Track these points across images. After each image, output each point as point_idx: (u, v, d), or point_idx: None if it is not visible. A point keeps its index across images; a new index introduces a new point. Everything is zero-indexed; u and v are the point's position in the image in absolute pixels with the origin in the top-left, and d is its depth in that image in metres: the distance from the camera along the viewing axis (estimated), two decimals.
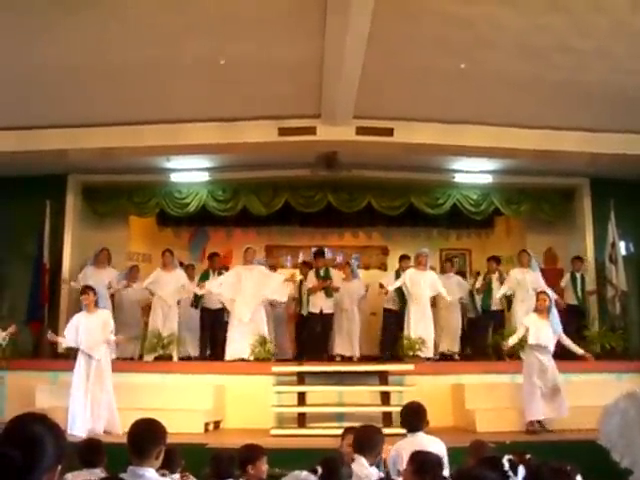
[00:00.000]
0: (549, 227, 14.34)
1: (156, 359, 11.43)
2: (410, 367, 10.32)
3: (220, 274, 12.84)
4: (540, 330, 9.89)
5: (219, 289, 11.95)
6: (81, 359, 9.65)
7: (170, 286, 12.08)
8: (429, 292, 12.21)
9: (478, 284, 13.35)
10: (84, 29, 8.52)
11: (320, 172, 12.90)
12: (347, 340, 13.09)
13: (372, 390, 10.24)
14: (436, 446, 5.60)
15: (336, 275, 13.16)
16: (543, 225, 14.39)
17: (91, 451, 5.52)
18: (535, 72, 9.70)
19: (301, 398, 10.18)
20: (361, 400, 10.21)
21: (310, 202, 13.86)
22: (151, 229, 15.48)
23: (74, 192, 13.61)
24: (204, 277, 12.96)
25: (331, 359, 12.87)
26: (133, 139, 11.67)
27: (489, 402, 10.08)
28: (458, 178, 13.64)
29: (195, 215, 14.17)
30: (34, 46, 8.87)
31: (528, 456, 3.55)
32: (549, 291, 11.15)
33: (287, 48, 9.10)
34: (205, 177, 13.61)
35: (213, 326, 12.94)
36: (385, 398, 10.14)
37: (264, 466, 5.53)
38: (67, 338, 9.81)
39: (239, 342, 11.42)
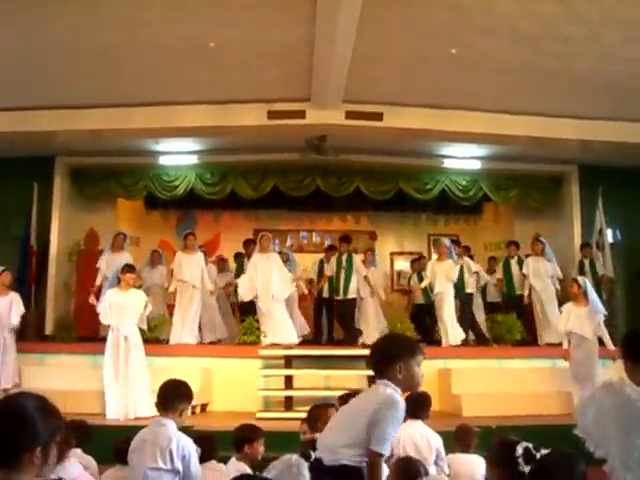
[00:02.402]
0: (537, 214, 14.39)
1: (144, 342, 11.41)
2: None
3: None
4: (572, 318, 9.87)
5: (243, 291, 11.86)
6: (111, 339, 9.61)
7: (194, 269, 12.05)
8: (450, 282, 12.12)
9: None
10: (75, 11, 8.47)
11: (309, 156, 12.87)
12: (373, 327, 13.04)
13: (359, 374, 10.25)
14: (433, 437, 5.63)
15: (358, 261, 12.96)
16: (531, 212, 14.44)
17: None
18: (526, 59, 9.70)
19: (288, 382, 10.19)
20: (348, 384, 10.20)
21: (299, 186, 13.85)
22: (139, 212, 15.45)
23: (62, 174, 13.57)
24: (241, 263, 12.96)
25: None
26: (122, 121, 11.62)
27: (476, 387, 10.11)
28: (447, 164, 13.66)
29: (183, 198, 14.16)
30: (24, 28, 8.81)
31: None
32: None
33: (278, 31, 9.06)
34: (194, 160, 13.58)
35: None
36: (372, 382, 10.12)
37: (261, 447, 5.59)
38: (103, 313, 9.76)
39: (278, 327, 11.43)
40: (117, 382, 9.31)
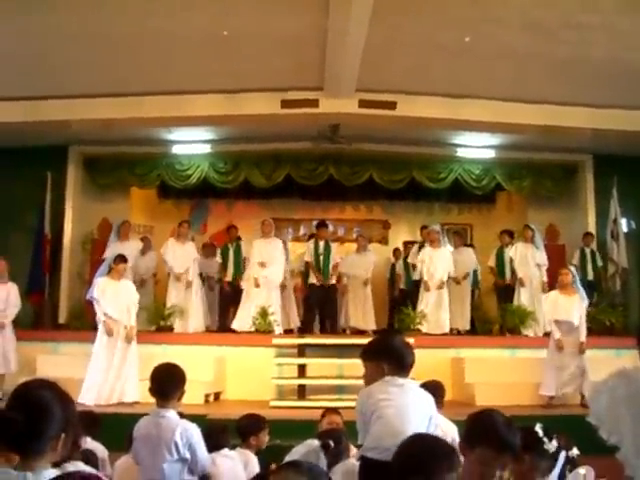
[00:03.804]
0: (551, 203, 14.31)
1: (157, 330, 11.46)
2: (410, 340, 10.33)
3: (238, 247, 12.96)
4: (560, 306, 9.89)
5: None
6: (102, 327, 9.66)
7: (185, 257, 12.12)
8: (444, 270, 12.19)
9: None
10: (87, 1, 8.47)
11: (322, 145, 12.86)
12: (360, 313, 13.17)
13: None
14: (449, 427, 5.64)
15: (336, 249, 13.09)
16: (545, 201, 14.37)
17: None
18: (540, 47, 9.63)
19: (301, 370, 10.21)
20: (361, 373, 10.24)
21: (312, 175, 13.84)
22: (152, 201, 15.47)
23: (75, 163, 13.61)
24: (225, 252, 13.06)
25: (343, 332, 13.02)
26: (135, 110, 11.60)
27: (488, 376, 10.10)
28: (460, 152, 13.63)
29: (196, 187, 14.16)
30: (36, 17, 8.81)
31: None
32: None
33: (290, 20, 9.04)
34: (207, 149, 13.59)
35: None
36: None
37: (265, 437, 5.62)
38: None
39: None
40: (108, 369, 9.36)
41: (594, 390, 3.37)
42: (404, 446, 3.10)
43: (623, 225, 13.48)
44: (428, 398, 4.24)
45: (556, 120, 11.74)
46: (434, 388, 5.67)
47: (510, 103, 11.54)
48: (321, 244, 12.82)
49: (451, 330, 12.16)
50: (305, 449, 4.99)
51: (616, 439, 3.09)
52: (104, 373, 9.36)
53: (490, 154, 13.61)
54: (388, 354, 4.33)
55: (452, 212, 16.07)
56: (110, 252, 11.78)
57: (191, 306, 11.95)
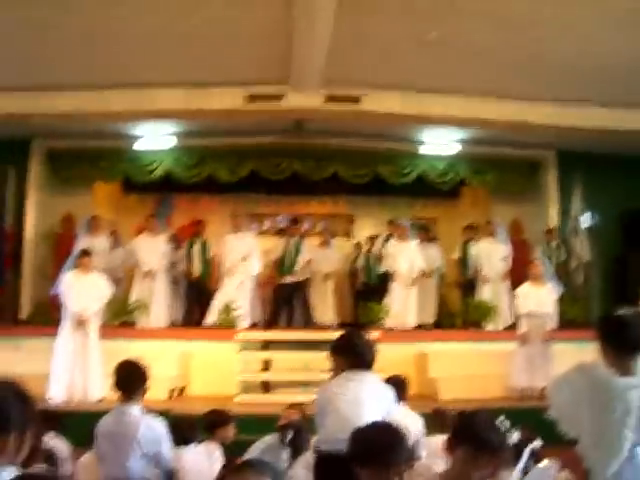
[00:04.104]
0: (515, 198, 14.41)
1: (121, 325, 11.38)
2: (375, 334, 10.38)
3: (205, 242, 12.97)
4: (532, 299, 10.00)
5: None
6: (68, 322, 9.56)
7: (155, 251, 12.07)
8: (412, 263, 12.25)
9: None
10: None
11: (287, 139, 12.84)
12: (322, 308, 13.20)
13: None
14: (413, 420, 5.68)
15: (308, 245, 13.12)
16: (509, 196, 14.46)
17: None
18: (506, 42, 9.67)
19: (266, 365, 10.20)
20: (326, 367, 10.24)
21: (276, 170, 13.79)
22: (116, 195, 15.32)
23: (38, 157, 13.45)
24: (191, 245, 13.01)
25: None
26: (98, 104, 11.46)
27: (452, 370, 10.17)
28: (425, 148, 13.68)
29: (160, 182, 14.02)
30: None
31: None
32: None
33: (256, 13, 8.98)
34: (171, 143, 13.48)
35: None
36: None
37: (232, 431, 5.63)
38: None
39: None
40: (72, 365, 9.29)
41: (554, 384, 3.41)
42: (359, 434, 3.12)
43: (586, 220, 13.64)
44: (386, 392, 4.29)
45: (521, 116, 11.82)
46: (397, 383, 5.71)
47: (475, 98, 11.57)
48: (292, 241, 12.85)
49: (418, 325, 12.20)
50: (264, 445, 5.02)
51: (575, 433, 3.13)
52: (70, 368, 9.28)
53: (455, 149, 13.67)
54: (348, 350, 4.46)
55: (417, 207, 16.08)
56: (79, 247, 11.72)
57: (155, 300, 11.89)
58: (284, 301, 13.08)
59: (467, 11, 8.85)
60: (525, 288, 10.27)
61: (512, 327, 11.58)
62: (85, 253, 9.88)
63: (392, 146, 13.63)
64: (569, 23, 9.04)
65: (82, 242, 11.74)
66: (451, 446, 3.22)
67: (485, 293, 12.33)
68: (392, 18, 9.14)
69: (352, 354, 4.46)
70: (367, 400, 4.14)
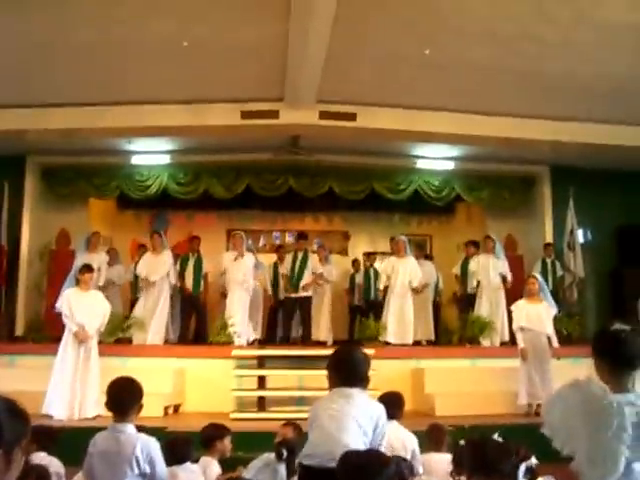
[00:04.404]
0: (509, 214, 14.46)
1: (116, 342, 11.35)
2: (370, 352, 10.35)
3: (199, 258, 12.92)
4: (527, 315, 9.97)
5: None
6: (69, 338, 9.52)
7: (159, 269, 12.05)
8: (409, 280, 12.22)
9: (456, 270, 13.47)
10: (47, 7, 8.39)
11: (282, 156, 12.88)
12: (318, 324, 13.19)
13: None
14: (408, 438, 5.67)
15: (314, 260, 13.11)
16: (503, 212, 14.51)
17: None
18: (499, 59, 9.75)
19: (261, 382, 10.17)
20: (321, 384, 10.18)
21: (272, 186, 13.83)
22: (111, 212, 15.34)
23: (33, 173, 13.48)
24: (185, 261, 12.94)
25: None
26: (94, 120, 11.51)
27: (449, 386, 10.14)
28: (420, 164, 13.72)
29: (156, 198, 14.05)
30: None
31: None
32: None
33: (251, 30, 9.04)
34: (166, 160, 13.52)
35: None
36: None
37: (229, 444, 5.63)
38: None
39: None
40: (72, 382, 9.24)
41: (548, 401, 3.41)
42: (345, 460, 3.14)
43: (580, 236, 13.67)
44: (376, 409, 4.28)
45: (514, 132, 11.89)
46: (392, 399, 5.71)
47: (469, 115, 11.65)
48: (299, 255, 12.91)
49: (416, 341, 12.20)
50: (261, 463, 5.01)
51: (569, 450, 3.12)
52: (70, 385, 9.22)
53: (449, 165, 13.71)
54: (339, 367, 4.46)
55: (412, 223, 16.15)
56: (78, 263, 11.72)
57: (156, 317, 11.83)
58: (286, 316, 13.14)
59: (459, 29, 8.94)
60: (520, 304, 10.26)
61: (508, 343, 11.61)
62: (88, 268, 9.84)
63: (387, 162, 13.67)
64: (563, 41, 9.12)
65: (80, 259, 11.74)
66: (459, 472, 3.23)
67: (483, 308, 12.31)
68: (387, 36, 9.20)
69: (343, 370, 4.44)
70: (352, 417, 4.13)
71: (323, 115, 11.47)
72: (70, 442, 5.76)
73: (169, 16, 8.70)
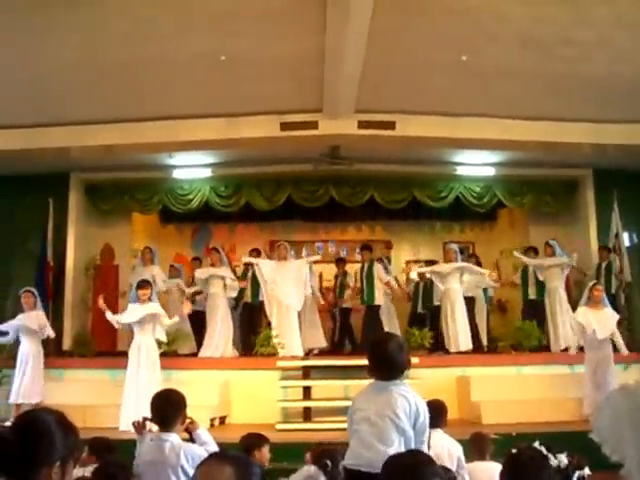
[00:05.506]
0: (552, 219, 14.32)
1: (161, 355, 11.42)
2: (415, 360, 10.29)
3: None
4: (591, 322, 9.86)
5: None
6: (134, 350, 9.69)
7: (221, 283, 12.19)
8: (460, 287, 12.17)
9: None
10: (85, 26, 8.52)
11: (323, 166, 12.90)
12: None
13: None
14: (453, 446, 5.63)
15: (379, 270, 12.99)
16: (546, 217, 14.38)
17: None
18: (537, 64, 9.67)
19: (306, 392, 10.17)
20: None
21: (313, 197, 13.87)
22: (154, 226, 15.49)
23: (77, 190, 13.66)
24: (244, 274, 13.11)
25: None
26: (135, 136, 11.65)
27: (495, 394, 10.07)
28: (460, 171, 13.64)
29: (198, 211, 14.17)
30: (36, 45, 8.88)
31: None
32: None
33: (288, 43, 9.09)
34: (207, 173, 13.62)
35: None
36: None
37: (267, 453, 5.63)
38: (124, 320, 9.87)
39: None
40: (137, 395, 9.33)
41: (596, 407, 3.37)
42: (391, 466, 3.12)
43: (625, 239, 13.45)
44: (411, 403, 4.12)
45: (555, 136, 11.77)
46: (434, 408, 5.67)
47: (509, 120, 11.56)
48: (366, 266, 12.91)
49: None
50: (302, 476, 5.00)
51: (619, 456, 3.08)
52: (137, 399, 9.31)
53: (490, 172, 13.61)
54: (373, 358, 4.38)
55: (454, 230, 16.06)
56: (133, 275, 11.95)
57: (221, 329, 11.94)
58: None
59: (497, 34, 8.87)
60: (582, 311, 10.08)
61: (563, 350, 11.47)
62: (144, 283, 9.96)
63: (427, 170, 13.62)
64: (600, 42, 9.02)
65: (138, 272, 11.94)
66: None
67: (553, 315, 12.24)
68: (424, 43, 9.19)
69: (377, 362, 4.33)
70: (389, 419, 4.08)
71: (362, 124, 11.46)
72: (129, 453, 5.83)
73: (206, 30, 8.78)
